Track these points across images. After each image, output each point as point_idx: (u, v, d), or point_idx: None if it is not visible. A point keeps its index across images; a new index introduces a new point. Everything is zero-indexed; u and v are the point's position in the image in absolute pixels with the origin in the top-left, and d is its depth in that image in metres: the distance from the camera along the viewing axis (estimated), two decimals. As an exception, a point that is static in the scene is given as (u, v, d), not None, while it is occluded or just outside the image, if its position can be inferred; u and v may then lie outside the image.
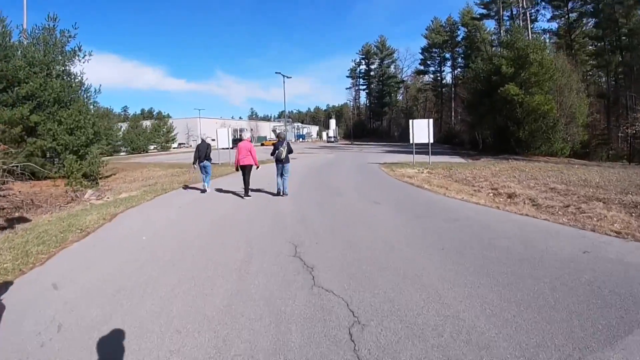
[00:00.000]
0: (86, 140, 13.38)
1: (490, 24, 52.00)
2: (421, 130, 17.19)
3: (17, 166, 12.46)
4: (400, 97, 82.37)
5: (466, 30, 57.72)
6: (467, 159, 21.78)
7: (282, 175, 7.94)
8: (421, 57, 71.10)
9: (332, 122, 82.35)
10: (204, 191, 8.89)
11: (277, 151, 7.79)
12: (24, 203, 9.28)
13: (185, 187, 10.24)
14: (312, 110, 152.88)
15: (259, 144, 66.11)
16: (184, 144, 70.75)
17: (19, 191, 10.85)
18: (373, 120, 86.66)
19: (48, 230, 5.38)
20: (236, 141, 11.29)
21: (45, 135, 12.73)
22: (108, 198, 9.54)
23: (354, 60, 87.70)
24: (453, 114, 59.23)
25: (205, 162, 8.88)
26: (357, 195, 8.23)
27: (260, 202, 7.51)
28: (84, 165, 12.77)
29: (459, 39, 62.67)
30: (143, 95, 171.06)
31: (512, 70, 24.08)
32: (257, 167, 8.05)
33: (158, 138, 48.32)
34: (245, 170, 7.78)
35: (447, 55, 66.63)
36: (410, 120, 17.79)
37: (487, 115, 27.14)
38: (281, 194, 7.96)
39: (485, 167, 15.32)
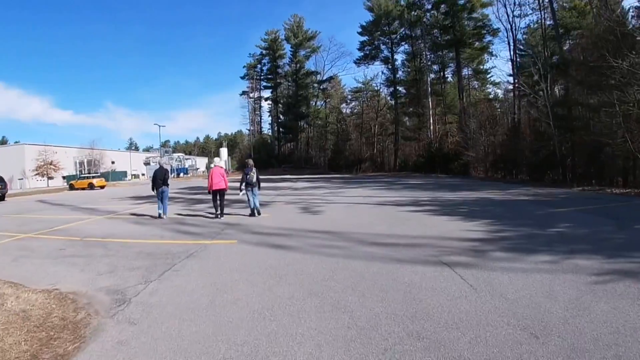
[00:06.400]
0: None
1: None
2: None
3: None
4: (322, 106, 55.62)
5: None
6: None
7: (254, 196, 8.43)
8: (363, 39, 46.45)
9: (223, 150, 56.86)
10: (158, 217, 8.63)
11: (247, 176, 8.35)
12: None
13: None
14: (201, 140, 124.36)
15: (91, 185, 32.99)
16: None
17: None
18: (284, 142, 60.93)
19: None
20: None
21: None
22: None
23: (252, 55, 59.51)
24: (432, 121, 38.79)
25: (164, 188, 8.74)
26: None
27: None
28: None
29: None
30: (27, 128, 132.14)
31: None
32: (226, 190, 8.59)
33: None
34: (219, 193, 8.35)
35: (406, 33, 43.47)
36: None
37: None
38: (255, 213, 8.42)
39: None
